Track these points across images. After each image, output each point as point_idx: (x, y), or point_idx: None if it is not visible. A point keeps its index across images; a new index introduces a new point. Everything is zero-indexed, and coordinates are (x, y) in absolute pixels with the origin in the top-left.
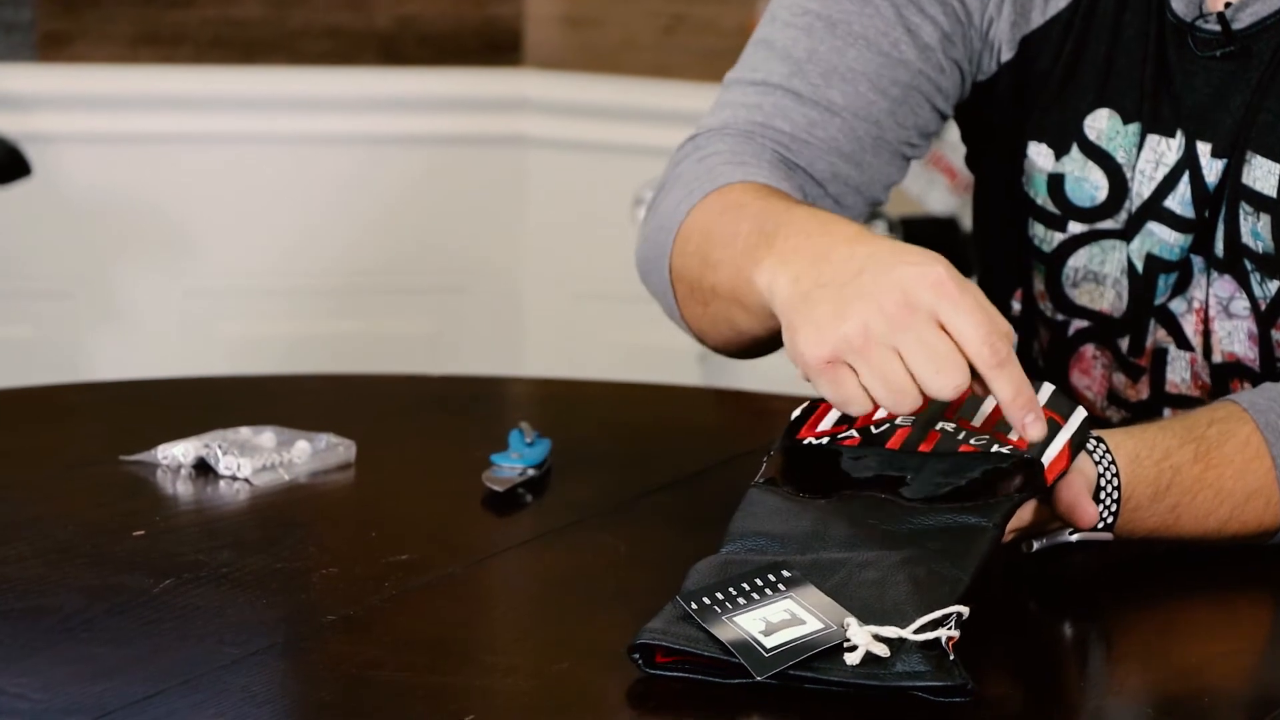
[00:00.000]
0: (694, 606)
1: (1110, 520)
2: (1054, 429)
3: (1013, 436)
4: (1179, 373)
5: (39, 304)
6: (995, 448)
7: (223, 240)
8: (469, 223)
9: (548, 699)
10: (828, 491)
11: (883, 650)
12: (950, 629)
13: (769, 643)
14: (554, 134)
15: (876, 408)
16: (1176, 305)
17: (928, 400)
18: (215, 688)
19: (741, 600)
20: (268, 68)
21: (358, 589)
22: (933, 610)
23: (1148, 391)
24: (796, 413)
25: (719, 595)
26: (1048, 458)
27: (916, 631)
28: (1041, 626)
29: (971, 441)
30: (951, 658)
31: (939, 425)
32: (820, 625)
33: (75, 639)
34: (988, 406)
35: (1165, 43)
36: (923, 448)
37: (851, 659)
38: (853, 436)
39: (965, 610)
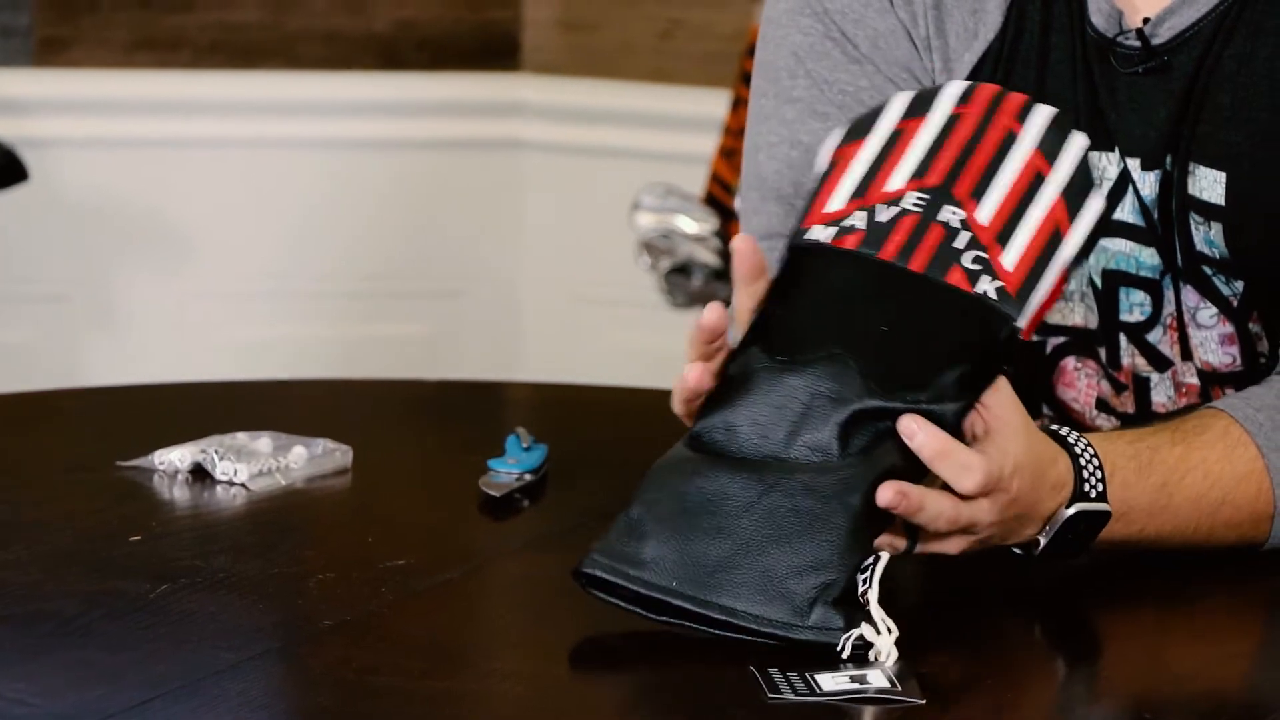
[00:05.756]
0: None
1: (1101, 489)
2: (1038, 184)
3: (1011, 253)
4: (1164, 393)
5: (36, 309)
6: (984, 280)
7: (220, 245)
8: (467, 227)
9: (544, 704)
10: (794, 351)
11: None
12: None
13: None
14: (551, 138)
15: (883, 180)
16: (1154, 335)
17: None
18: (212, 693)
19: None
20: (265, 72)
21: (355, 594)
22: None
23: (1133, 407)
24: (822, 163)
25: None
26: (1035, 300)
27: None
28: (1035, 630)
29: (966, 264)
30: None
31: (942, 216)
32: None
33: (73, 644)
34: (997, 192)
35: (1090, 61)
36: (913, 264)
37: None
38: (856, 230)
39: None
